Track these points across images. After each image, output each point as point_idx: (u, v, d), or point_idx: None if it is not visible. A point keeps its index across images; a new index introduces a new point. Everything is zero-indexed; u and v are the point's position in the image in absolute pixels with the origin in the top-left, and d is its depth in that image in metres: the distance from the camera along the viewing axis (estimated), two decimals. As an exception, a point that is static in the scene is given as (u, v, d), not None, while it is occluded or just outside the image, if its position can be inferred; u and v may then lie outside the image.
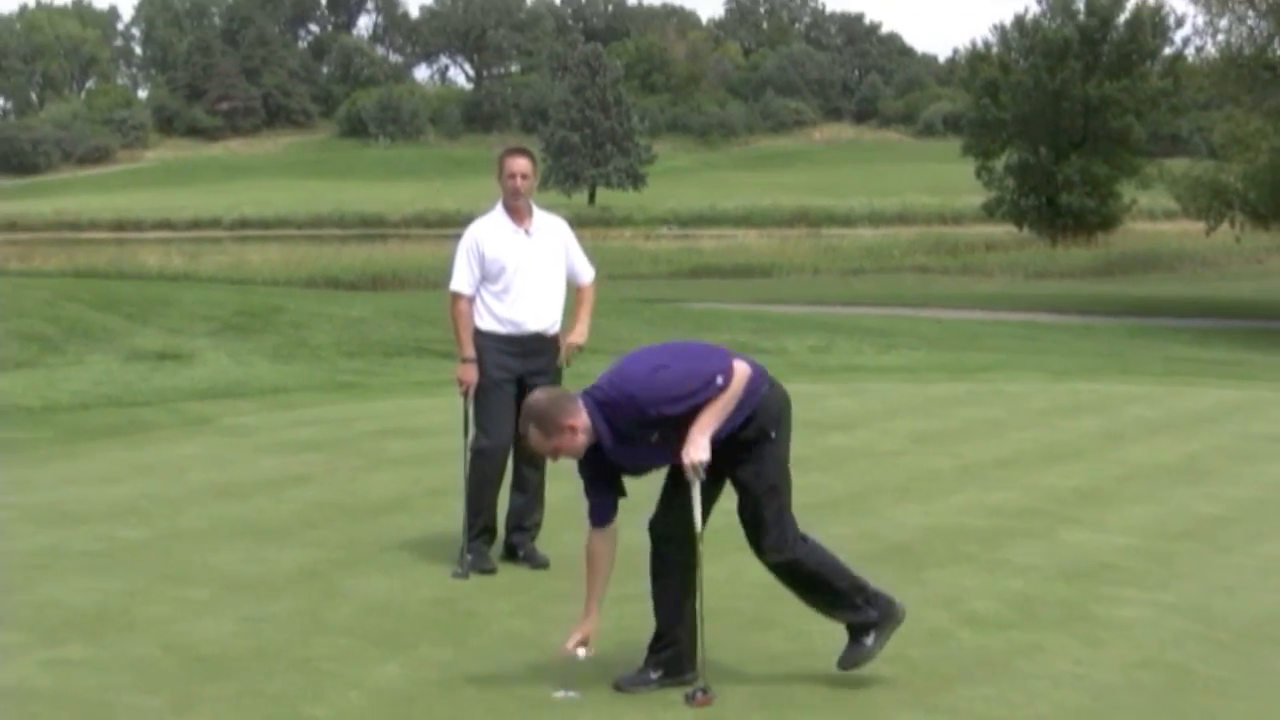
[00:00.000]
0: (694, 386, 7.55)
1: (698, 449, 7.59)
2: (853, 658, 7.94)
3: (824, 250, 72.20)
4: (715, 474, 7.80)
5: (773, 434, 7.83)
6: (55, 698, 7.43)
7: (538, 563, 10.33)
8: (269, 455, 14.70)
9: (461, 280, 10.26)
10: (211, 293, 37.12)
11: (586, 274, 10.61)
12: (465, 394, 10.33)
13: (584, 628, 7.86)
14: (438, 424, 15.55)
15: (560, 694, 7.59)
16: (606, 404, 7.61)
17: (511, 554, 10.43)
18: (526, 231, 10.25)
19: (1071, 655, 8.39)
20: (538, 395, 7.77)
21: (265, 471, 13.77)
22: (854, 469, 14.19)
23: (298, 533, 11.14)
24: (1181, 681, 8.01)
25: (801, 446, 15.61)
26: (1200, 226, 48.81)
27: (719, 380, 7.56)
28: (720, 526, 11.53)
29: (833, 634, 8.63)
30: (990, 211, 79.81)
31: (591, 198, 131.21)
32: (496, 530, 10.44)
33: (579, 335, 10.50)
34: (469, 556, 10.18)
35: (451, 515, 10.92)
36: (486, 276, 10.21)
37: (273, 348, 25.03)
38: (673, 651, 7.95)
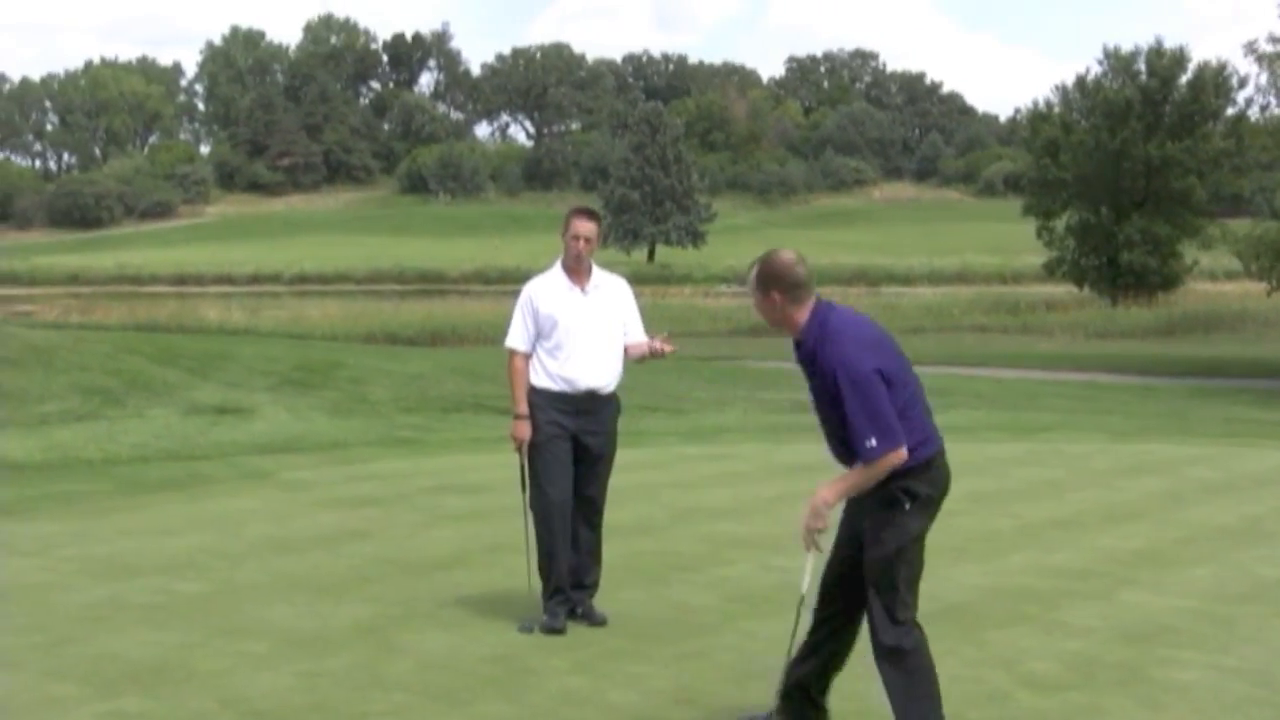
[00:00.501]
0: (862, 419, 7.22)
1: (817, 517, 7.52)
2: None
3: (883, 309, 72.14)
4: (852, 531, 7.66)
5: (906, 505, 7.45)
6: (112, 750, 7.46)
7: (595, 620, 10.27)
8: (327, 510, 14.74)
9: (516, 337, 10.28)
10: (271, 347, 37.34)
11: (638, 336, 10.51)
12: (518, 450, 10.36)
13: None
14: (495, 480, 15.56)
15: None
16: (830, 323, 7.40)
17: (570, 611, 10.35)
18: (583, 290, 10.26)
19: (1130, 718, 8.33)
20: (790, 255, 7.52)
21: (323, 526, 13.80)
22: (912, 528, 14.13)
23: (355, 588, 11.16)
24: (1242, 746, 7.95)
25: (860, 506, 15.52)
26: (1262, 287, 48.45)
27: (872, 442, 7.20)
28: (776, 585, 11.54)
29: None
30: (1050, 271, 79.61)
31: (651, 255, 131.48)
32: (566, 580, 10.36)
33: (647, 345, 10.36)
34: (544, 617, 10.17)
35: (510, 571, 10.93)
36: (541, 334, 10.21)
37: (331, 403, 25.14)
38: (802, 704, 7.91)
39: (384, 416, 23.70)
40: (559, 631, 10.05)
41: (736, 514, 14.88)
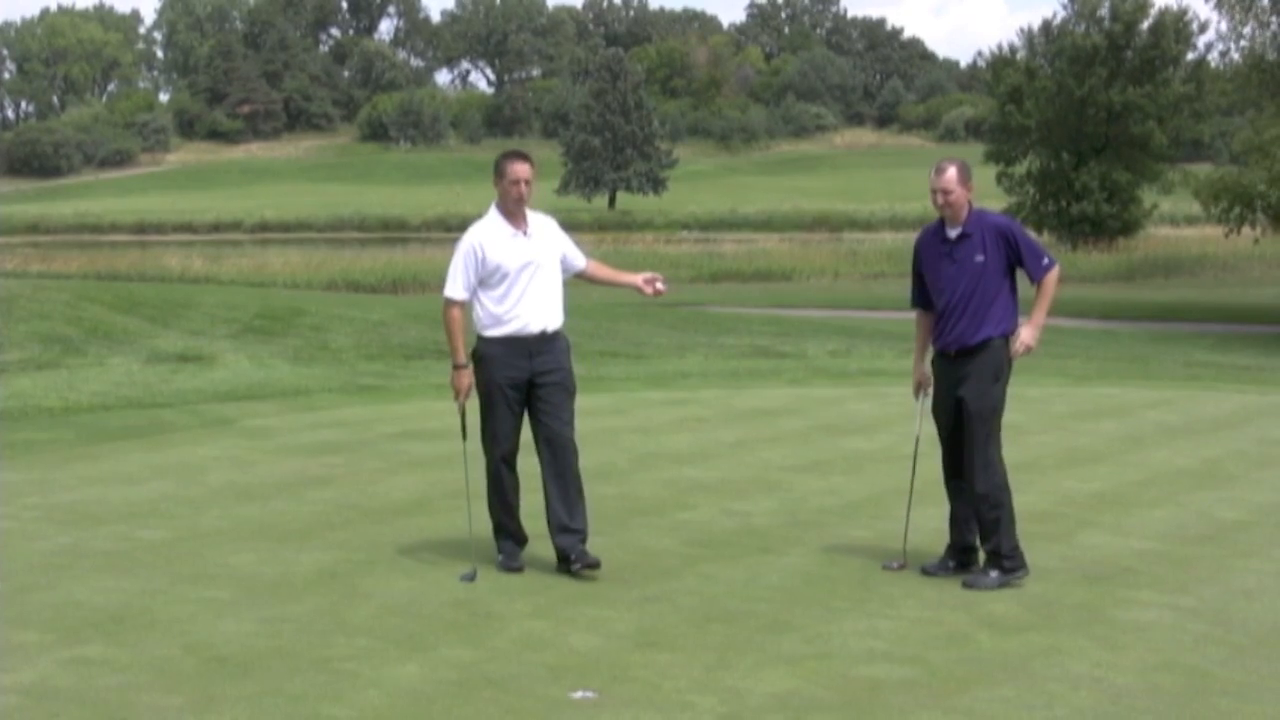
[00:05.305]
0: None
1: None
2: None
3: (845, 255, 72.10)
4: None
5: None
6: (75, 697, 7.45)
7: (590, 562, 10.08)
8: (289, 457, 14.73)
9: (456, 286, 10.26)
10: (232, 295, 37.28)
11: (582, 259, 10.61)
12: (456, 399, 10.34)
13: (916, 376, 10.63)
14: (458, 426, 15.56)
15: (578, 694, 7.61)
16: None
17: (564, 560, 10.20)
18: (525, 233, 10.23)
19: (1090, 658, 8.40)
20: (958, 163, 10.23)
21: (285, 473, 13.80)
22: (873, 472, 14.20)
23: (318, 534, 11.17)
24: (1199, 685, 8.01)
25: (821, 450, 15.64)
26: (1221, 232, 48.61)
27: (1046, 260, 10.14)
28: (737, 529, 11.60)
29: (850, 635, 8.67)
30: (1011, 217, 79.58)
31: (612, 202, 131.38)
32: (524, 534, 10.40)
33: (642, 279, 10.60)
34: (500, 557, 10.25)
35: (472, 517, 10.94)
36: (487, 282, 10.16)
37: (293, 350, 25.11)
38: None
39: (346, 364, 23.67)
40: (517, 570, 10.11)
41: (697, 459, 14.92)
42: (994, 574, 9.99)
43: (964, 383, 10.05)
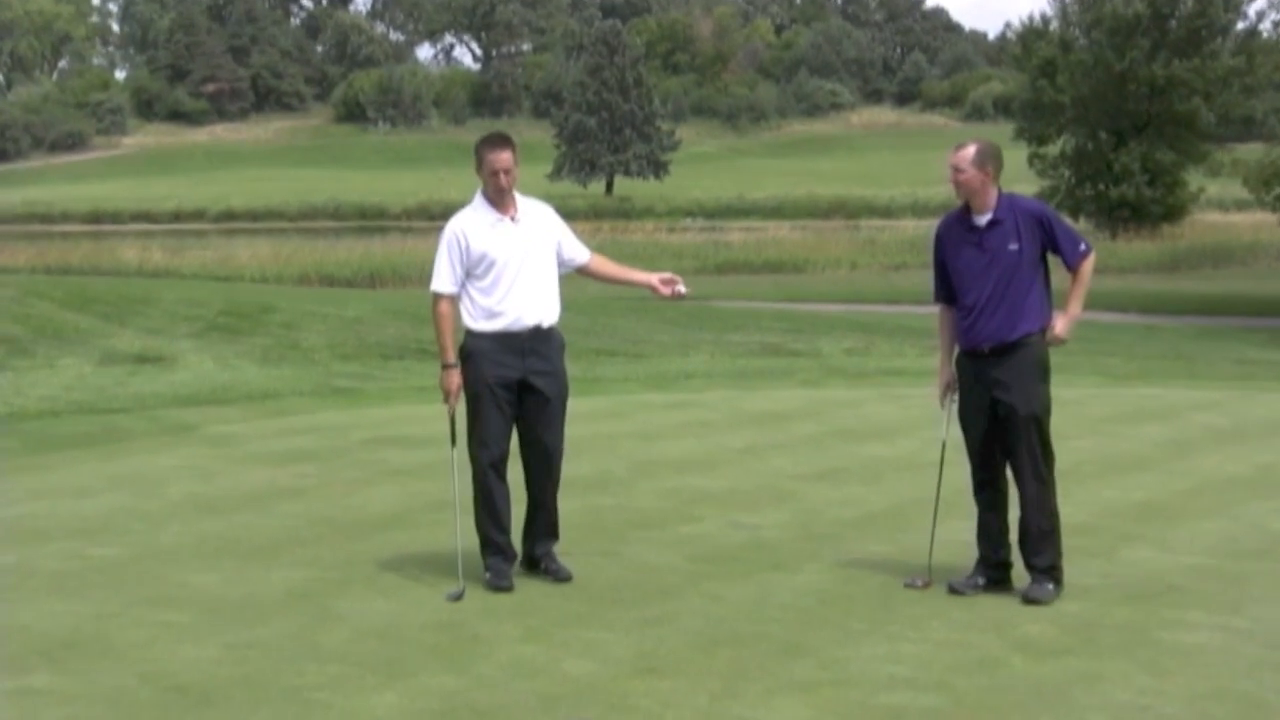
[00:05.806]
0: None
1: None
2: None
3: (863, 244, 72.10)
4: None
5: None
6: (21, 730, 7.43)
7: (561, 576, 10.31)
8: (257, 467, 14.71)
9: (443, 279, 10.24)
10: (195, 291, 37.26)
11: (584, 252, 10.61)
12: (446, 401, 10.33)
13: (942, 378, 10.51)
14: (440, 433, 15.50)
15: (571, 724, 7.59)
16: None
17: (533, 566, 10.45)
18: (513, 219, 10.22)
19: (1134, 685, 8.34)
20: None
21: (252, 484, 13.77)
22: (894, 481, 14.15)
23: (288, 551, 11.14)
24: (1254, 714, 7.97)
25: (837, 457, 15.60)
26: (1275, 218, 48.56)
27: (1083, 247, 10.26)
28: (747, 543, 11.55)
29: (870, 659, 8.63)
30: (1043, 202, 79.32)
31: (609, 187, 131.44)
32: (514, 549, 10.43)
33: (658, 278, 10.64)
34: (487, 575, 10.22)
35: (459, 531, 10.92)
36: (474, 273, 10.16)
37: (261, 350, 25.10)
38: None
39: (319, 364, 23.67)
40: (506, 589, 10.08)
41: (702, 466, 14.89)
42: (1051, 586, 10.01)
43: (1005, 385, 9.97)
